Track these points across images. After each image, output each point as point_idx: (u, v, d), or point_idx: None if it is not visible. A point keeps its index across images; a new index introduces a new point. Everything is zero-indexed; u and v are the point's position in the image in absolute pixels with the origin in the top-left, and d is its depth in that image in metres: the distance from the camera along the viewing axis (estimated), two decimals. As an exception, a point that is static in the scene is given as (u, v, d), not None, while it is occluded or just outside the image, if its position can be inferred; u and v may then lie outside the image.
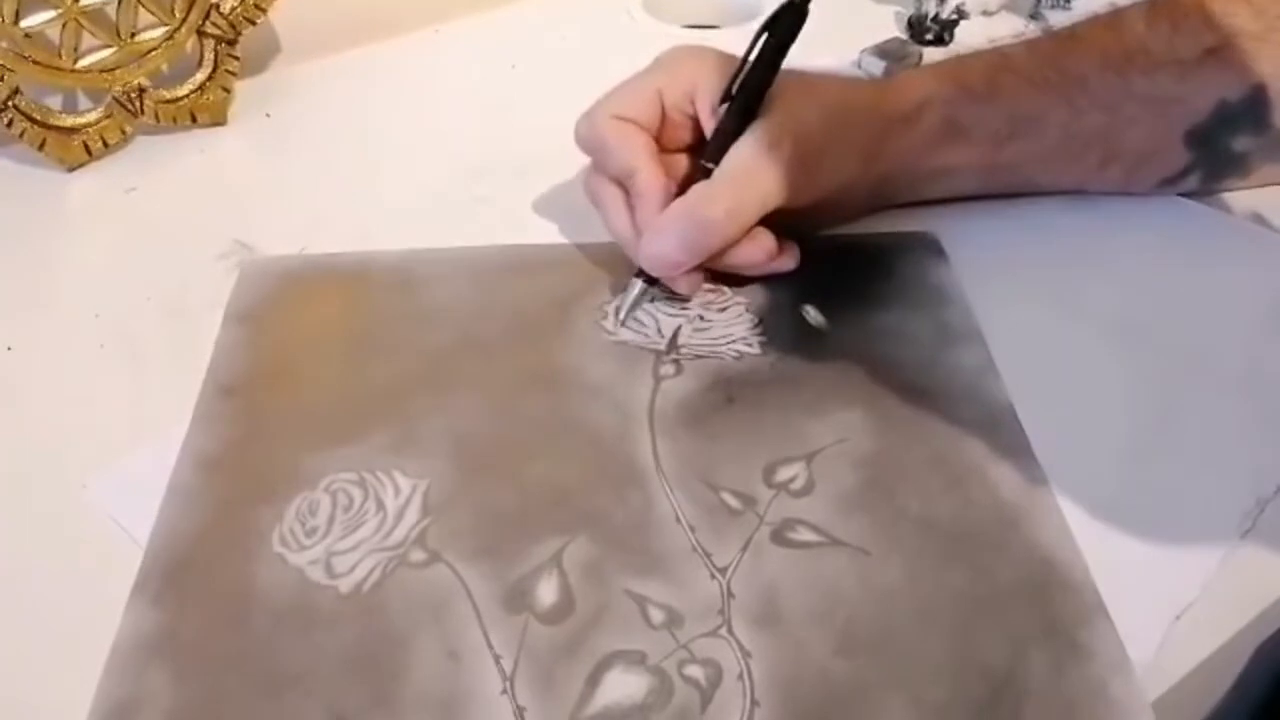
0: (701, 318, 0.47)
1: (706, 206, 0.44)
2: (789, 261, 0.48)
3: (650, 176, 0.46)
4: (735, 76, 0.46)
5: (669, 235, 0.44)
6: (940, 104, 0.49)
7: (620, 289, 0.48)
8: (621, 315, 0.47)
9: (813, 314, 0.47)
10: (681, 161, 0.49)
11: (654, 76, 0.48)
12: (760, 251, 0.46)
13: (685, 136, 0.48)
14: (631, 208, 0.47)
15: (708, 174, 0.45)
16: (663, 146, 0.48)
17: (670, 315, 0.47)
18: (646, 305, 0.48)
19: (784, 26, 0.46)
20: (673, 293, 0.47)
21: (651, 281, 0.46)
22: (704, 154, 0.46)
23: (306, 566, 0.38)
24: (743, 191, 0.45)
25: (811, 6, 0.46)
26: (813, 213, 0.48)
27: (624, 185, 0.47)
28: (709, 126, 0.47)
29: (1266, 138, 0.51)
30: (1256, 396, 0.44)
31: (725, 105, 0.46)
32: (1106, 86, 0.50)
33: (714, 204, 0.44)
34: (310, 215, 0.55)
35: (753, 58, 0.46)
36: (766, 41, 0.46)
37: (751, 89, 0.46)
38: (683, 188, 0.46)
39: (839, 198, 0.49)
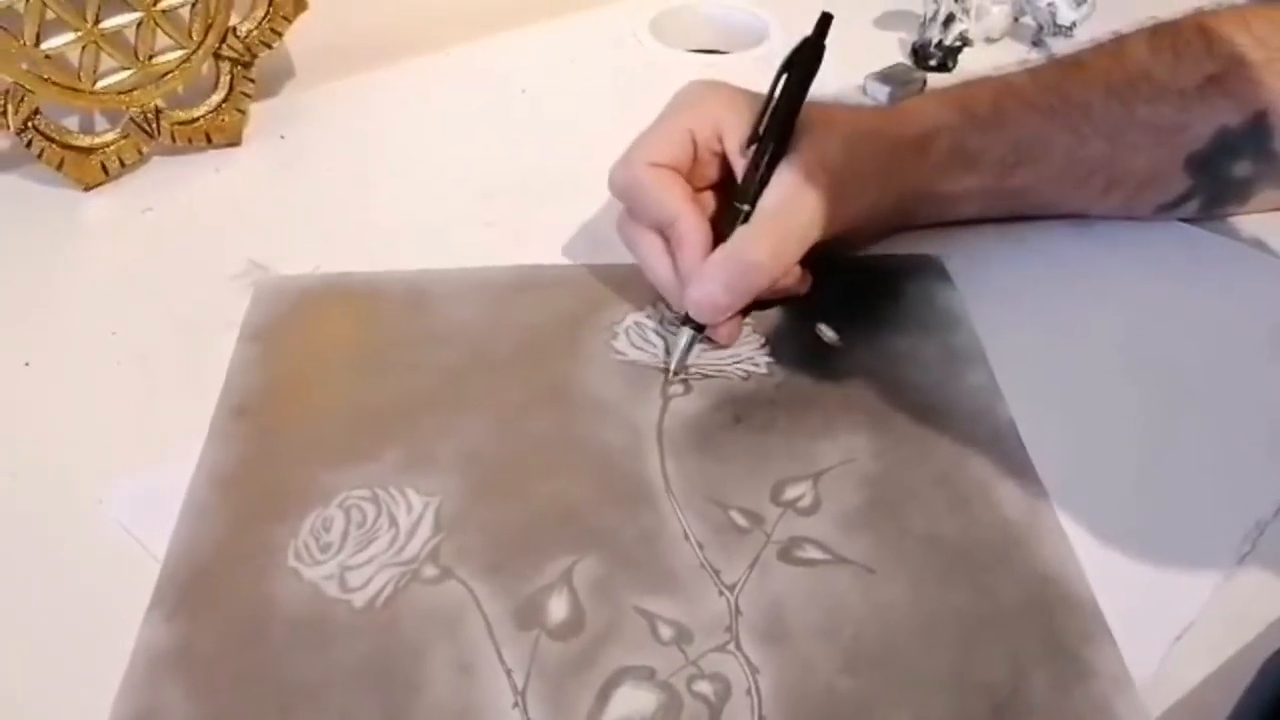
0: (709, 338, 0.48)
1: (751, 249, 0.45)
2: (804, 286, 0.49)
3: (691, 223, 0.46)
4: (761, 118, 0.46)
5: (715, 281, 0.44)
6: (948, 131, 0.50)
7: (630, 310, 0.49)
8: (673, 365, 0.46)
9: (828, 332, 0.48)
10: (708, 199, 0.49)
11: (682, 117, 0.48)
12: (791, 279, 0.47)
13: (713, 174, 0.49)
14: (671, 254, 0.47)
15: (740, 215, 0.45)
16: (691, 185, 0.48)
17: (678, 335, 0.48)
18: (655, 325, 0.49)
19: (803, 63, 0.47)
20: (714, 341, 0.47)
21: (699, 328, 0.46)
22: (736, 195, 0.46)
23: (321, 581, 0.38)
24: (784, 231, 0.45)
25: (825, 45, 0.47)
26: (832, 240, 0.48)
27: (662, 232, 0.47)
28: (739, 166, 0.47)
29: (1267, 164, 0.52)
30: (1257, 419, 0.45)
31: (753, 146, 0.46)
32: (1110, 113, 0.51)
33: (758, 246, 0.45)
34: (323, 235, 0.56)
35: (776, 97, 0.46)
36: (788, 80, 0.46)
37: (778, 128, 0.46)
38: (714, 226, 0.46)
39: (860, 225, 0.49)
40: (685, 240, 0.46)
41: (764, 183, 0.46)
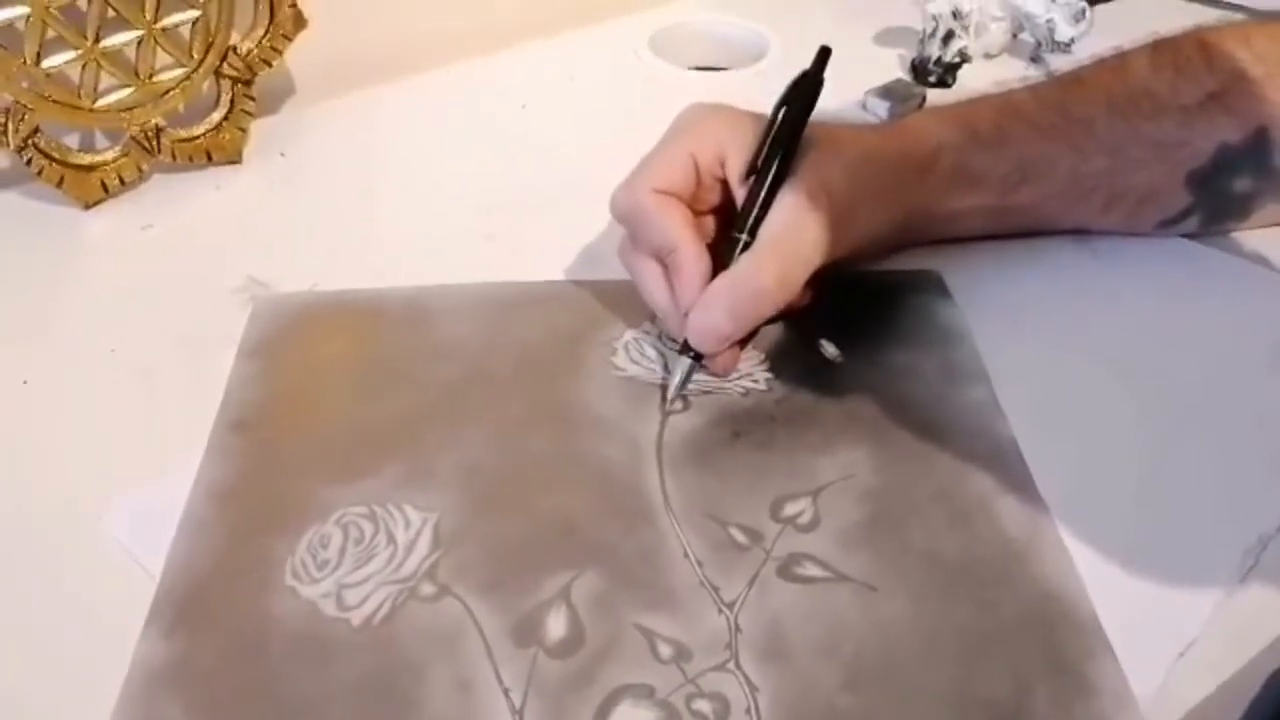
0: (706, 368, 0.47)
1: (757, 277, 0.44)
2: (803, 301, 0.48)
3: (691, 253, 0.45)
4: (760, 150, 0.46)
5: (718, 309, 0.44)
6: (951, 151, 0.50)
7: (629, 325, 0.49)
8: (670, 394, 0.46)
9: (829, 348, 0.47)
10: (710, 223, 0.48)
11: (685, 142, 0.47)
12: (795, 299, 0.47)
13: (715, 198, 0.48)
14: (671, 284, 0.46)
15: (739, 245, 0.45)
16: (693, 209, 0.47)
17: (676, 365, 0.47)
18: (654, 341, 0.49)
19: (801, 96, 0.46)
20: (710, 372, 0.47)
21: (698, 357, 0.45)
22: (735, 224, 0.46)
23: (318, 599, 0.38)
24: (789, 258, 0.45)
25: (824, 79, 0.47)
26: (832, 265, 0.47)
27: (662, 260, 0.47)
28: (739, 194, 0.46)
29: (1268, 180, 0.52)
30: (1258, 434, 0.45)
31: (753, 177, 0.46)
32: (1112, 130, 0.51)
33: (764, 274, 0.44)
34: (323, 252, 0.56)
35: (775, 130, 0.46)
36: (786, 113, 0.46)
37: (777, 161, 0.46)
38: (714, 252, 0.46)
39: (862, 246, 0.49)
40: (683, 270, 0.45)
41: (762, 215, 0.45)
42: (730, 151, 0.47)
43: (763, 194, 0.45)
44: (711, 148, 0.47)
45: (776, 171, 0.46)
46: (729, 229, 0.46)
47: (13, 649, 0.37)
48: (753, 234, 0.45)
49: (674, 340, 0.48)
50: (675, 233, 0.46)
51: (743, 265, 0.45)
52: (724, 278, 0.45)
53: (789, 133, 0.46)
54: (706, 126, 0.48)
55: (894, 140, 0.50)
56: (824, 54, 0.47)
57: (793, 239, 0.45)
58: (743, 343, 0.47)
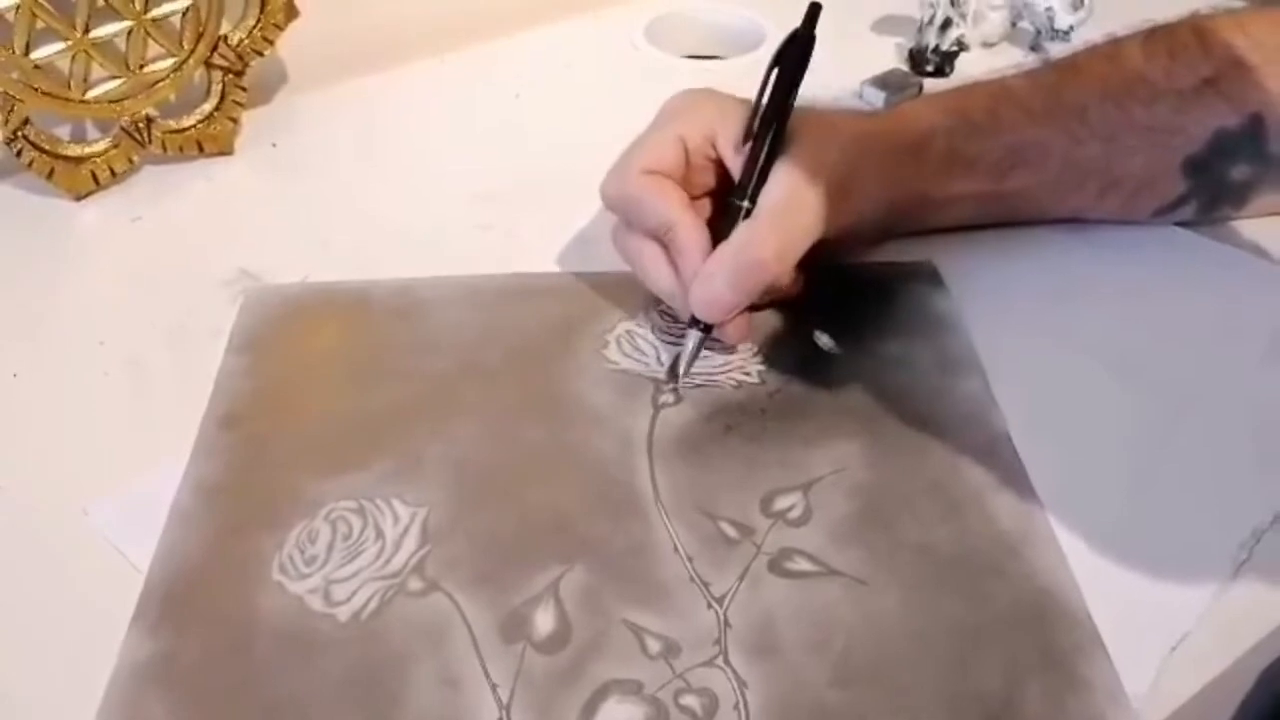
0: (718, 339, 0.47)
1: (757, 247, 0.44)
2: (796, 288, 0.48)
3: (690, 229, 0.45)
4: (754, 113, 0.45)
5: (720, 278, 0.44)
6: (944, 135, 0.50)
7: (621, 318, 0.49)
8: (682, 368, 0.45)
9: (825, 340, 0.47)
10: (705, 206, 0.48)
11: (674, 125, 0.47)
12: (786, 279, 0.47)
13: (708, 181, 0.48)
14: (672, 262, 0.46)
15: (739, 211, 0.45)
16: (686, 193, 0.47)
17: (670, 344, 0.47)
18: (648, 334, 0.48)
19: (793, 56, 0.46)
20: (723, 344, 0.47)
21: (707, 330, 0.45)
22: (734, 192, 0.45)
23: (305, 595, 0.38)
24: (788, 228, 0.44)
25: (815, 35, 0.46)
26: (827, 246, 0.47)
27: (660, 240, 0.46)
28: (735, 165, 0.46)
29: (1264, 167, 0.52)
30: (1253, 427, 0.44)
31: (749, 143, 0.46)
32: (1106, 117, 0.51)
33: (764, 244, 0.44)
34: (315, 243, 0.55)
35: (769, 90, 0.46)
36: (779, 74, 0.46)
37: (774, 122, 0.45)
38: (713, 230, 0.45)
39: (856, 230, 0.49)
40: (685, 246, 0.45)
41: (762, 180, 0.45)
42: (721, 131, 0.47)
43: (762, 156, 0.45)
44: (701, 129, 0.47)
45: (773, 136, 0.45)
46: (723, 212, 0.46)
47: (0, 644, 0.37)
48: (753, 200, 0.45)
49: (675, 323, 0.48)
50: (671, 211, 0.45)
51: (742, 234, 0.44)
52: (724, 248, 0.44)
53: (784, 93, 0.46)
54: (695, 110, 0.48)
55: (887, 124, 0.50)
56: (814, 10, 0.47)
57: (791, 209, 0.44)
58: (753, 308, 0.47)
